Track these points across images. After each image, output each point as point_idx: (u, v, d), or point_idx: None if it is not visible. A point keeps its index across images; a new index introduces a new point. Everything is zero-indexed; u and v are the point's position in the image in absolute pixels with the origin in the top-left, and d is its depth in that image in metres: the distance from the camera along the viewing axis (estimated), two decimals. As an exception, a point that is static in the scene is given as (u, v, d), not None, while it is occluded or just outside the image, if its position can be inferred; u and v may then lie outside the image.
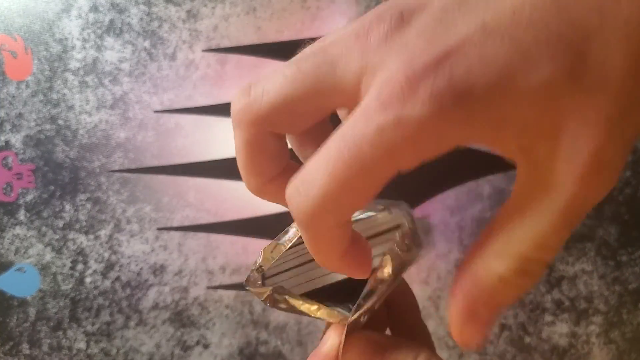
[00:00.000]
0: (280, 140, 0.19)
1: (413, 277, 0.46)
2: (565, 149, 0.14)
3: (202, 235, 0.47)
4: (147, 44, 0.46)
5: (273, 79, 0.17)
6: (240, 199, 0.47)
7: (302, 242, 0.19)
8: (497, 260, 0.16)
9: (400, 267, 0.21)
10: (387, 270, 0.20)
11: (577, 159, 0.14)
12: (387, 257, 0.21)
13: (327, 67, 0.16)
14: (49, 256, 0.48)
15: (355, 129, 0.15)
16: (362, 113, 0.15)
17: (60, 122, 0.47)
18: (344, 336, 0.20)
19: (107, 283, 0.48)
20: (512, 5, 0.14)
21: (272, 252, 0.24)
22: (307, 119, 0.18)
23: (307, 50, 0.17)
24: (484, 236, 0.16)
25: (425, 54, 0.14)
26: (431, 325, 0.47)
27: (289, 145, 0.20)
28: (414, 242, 0.22)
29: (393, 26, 0.16)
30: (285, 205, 0.18)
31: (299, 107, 0.17)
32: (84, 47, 0.46)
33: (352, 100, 0.16)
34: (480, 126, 0.15)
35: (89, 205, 0.47)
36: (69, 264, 0.48)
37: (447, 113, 0.14)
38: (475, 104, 0.14)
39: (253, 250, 0.47)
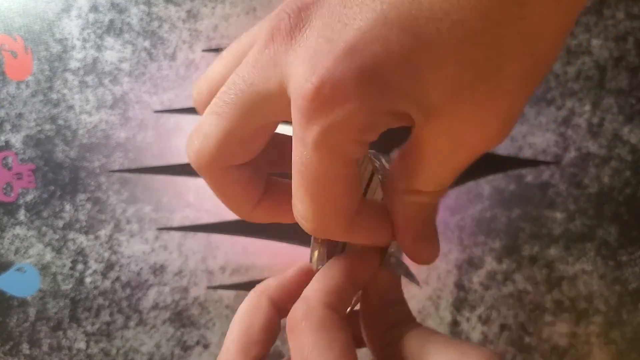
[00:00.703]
0: (245, 169, 0.20)
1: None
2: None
3: (202, 236, 0.47)
4: (147, 44, 0.46)
5: (208, 122, 0.18)
6: (240, 199, 0.47)
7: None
8: (412, 196, 0.19)
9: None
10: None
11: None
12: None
13: (252, 91, 0.17)
14: (49, 256, 0.48)
15: (297, 155, 0.17)
16: (295, 136, 0.17)
17: (60, 122, 0.47)
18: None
19: (107, 283, 0.48)
20: None
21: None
22: (257, 142, 0.19)
23: (230, 80, 0.18)
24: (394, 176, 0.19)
25: (327, 57, 0.15)
26: (431, 325, 0.47)
27: None
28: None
29: (293, 25, 0.16)
30: (282, 221, 0.22)
31: (243, 136, 0.18)
32: (84, 47, 0.46)
33: (288, 107, 0.17)
34: (384, 113, 0.16)
35: (89, 205, 0.47)
36: (69, 264, 0.48)
37: (363, 105, 0.15)
38: (383, 93, 0.15)
39: (253, 251, 0.47)
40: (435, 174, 0.18)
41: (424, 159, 0.17)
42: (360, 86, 0.15)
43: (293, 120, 0.16)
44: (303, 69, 0.15)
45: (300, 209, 0.18)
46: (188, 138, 0.19)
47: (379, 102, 0.15)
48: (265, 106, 0.17)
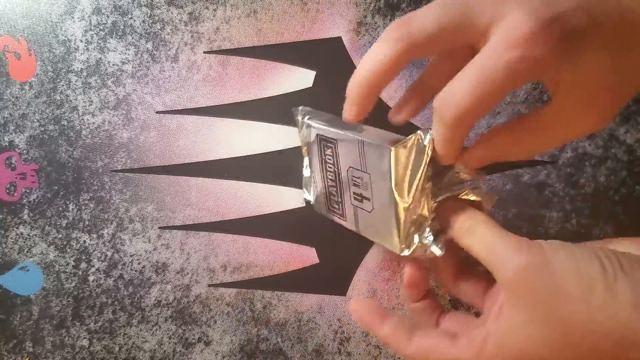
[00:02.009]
0: (403, 67, 0.26)
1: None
2: None
3: (203, 234, 0.47)
4: (149, 45, 0.46)
5: (429, 13, 0.24)
6: (241, 198, 0.47)
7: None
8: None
9: None
10: None
11: None
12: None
13: (469, 12, 0.23)
14: (52, 255, 0.48)
15: (489, 61, 0.22)
16: (494, 49, 0.23)
17: (64, 122, 0.47)
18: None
19: (110, 281, 0.48)
20: None
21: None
22: (443, 47, 0.25)
23: None
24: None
25: (544, 12, 0.22)
26: (429, 323, 0.47)
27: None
28: None
29: None
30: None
31: (442, 37, 0.24)
32: (87, 49, 0.46)
33: (481, 38, 0.24)
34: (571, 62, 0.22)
35: (92, 205, 0.48)
36: (72, 263, 0.48)
37: (554, 54, 0.22)
38: (574, 53, 0.22)
39: (254, 249, 0.47)
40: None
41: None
42: (559, 45, 0.22)
43: (497, 41, 0.23)
44: (525, 12, 0.22)
45: (458, 94, 0.24)
46: (405, 16, 0.25)
47: (566, 61, 0.22)
48: (469, 28, 0.24)
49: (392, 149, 0.30)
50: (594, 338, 0.22)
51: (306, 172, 0.42)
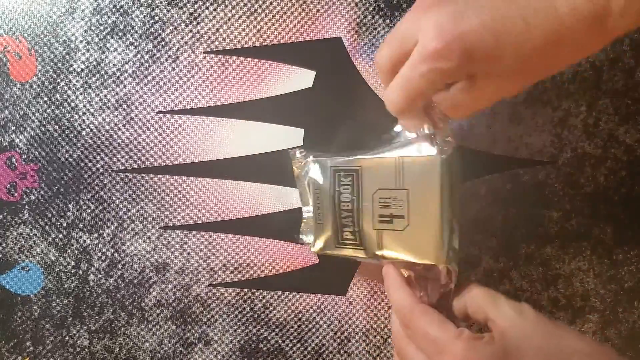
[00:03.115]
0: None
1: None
2: None
3: (203, 234, 0.47)
4: (149, 46, 0.46)
5: (382, 45, 0.31)
6: (241, 198, 0.47)
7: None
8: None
9: None
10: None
11: None
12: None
13: (402, 36, 0.29)
14: (52, 255, 0.48)
15: (408, 71, 0.29)
16: (411, 63, 0.28)
17: (64, 122, 0.47)
18: None
19: (110, 281, 0.48)
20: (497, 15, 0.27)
21: None
22: (402, 59, 0.30)
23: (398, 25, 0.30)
24: None
25: (448, 31, 0.26)
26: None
27: None
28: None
29: (434, 3, 0.28)
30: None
31: (395, 57, 0.30)
32: (88, 49, 0.46)
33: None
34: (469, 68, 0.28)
35: (92, 205, 0.48)
36: (72, 263, 0.48)
37: (458, 65, 0.27)
38: (472, 63, 0.27)
39: (254, 249, 0.47)
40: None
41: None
42: (462, 58, 0.26)
43: (415, 54, 0.28)
44: (435, 31, 0.27)
45: (392, 91, 0.30)
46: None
47: (471, 68, 0.27)
48: (408, 46, 0.29)
49: (442, 157, 0.32)
50: None
51: (307, 215, 0.41)
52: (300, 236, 0.41)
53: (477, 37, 0.26)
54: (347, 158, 0.37)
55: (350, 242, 0.37)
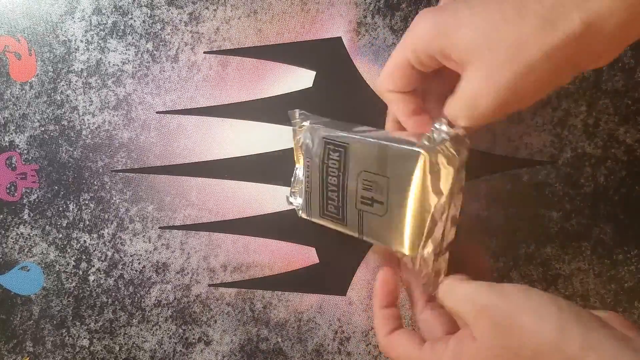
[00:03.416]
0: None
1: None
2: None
3: (203, 234, 0.47)
4: (149, 46, 0.46)
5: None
6: (241, 198, 0.47)
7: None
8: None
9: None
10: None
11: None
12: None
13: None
14: (52, 255, 0.48)
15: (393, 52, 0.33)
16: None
17: (64, 122, 0.47)
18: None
19: (110, 281, 0.48)
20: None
21: None
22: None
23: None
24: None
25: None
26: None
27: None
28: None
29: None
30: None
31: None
32: (88, 49, 0.46)
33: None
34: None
35: (92, 205, 0.48)
36: (72, 263, 0.48)
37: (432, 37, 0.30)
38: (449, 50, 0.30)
39: (254, 249, 0.47)
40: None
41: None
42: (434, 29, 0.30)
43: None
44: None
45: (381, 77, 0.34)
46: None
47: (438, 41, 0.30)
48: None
49: (423, 153, 0.32)
50: None
51: (298, 176, 0.42)
52: (290, 198, 0.42)
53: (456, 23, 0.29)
54: (340, 134, 0.36)
55: (334, 215, 0.38)
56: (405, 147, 0.33)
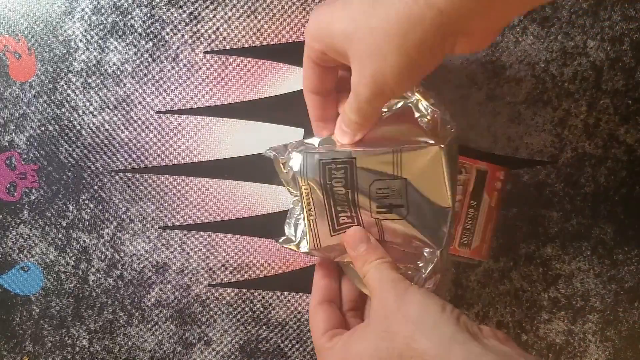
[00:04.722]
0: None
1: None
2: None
3: (203, 234, 0.47)
4: (149, 45, 0.46)
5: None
6: (241, 198, 0.47)
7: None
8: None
9: None
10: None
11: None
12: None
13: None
14: (52, 255, 0.48)
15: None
16: None
17: (64, 122, 0.47)
18: None
19: (110, 281, 0.48)
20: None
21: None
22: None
23: None
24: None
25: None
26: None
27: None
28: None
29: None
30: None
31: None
32: (87, 49, 0.46)
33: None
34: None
35: (92, 205, 0.48)
36: (72, 263, 0.48)
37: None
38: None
39: (254, 249, 0.47)
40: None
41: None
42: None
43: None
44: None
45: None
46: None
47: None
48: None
49: (441, 147, 0.33)
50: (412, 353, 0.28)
51: (295, 210, 0.40)
52: (287, 233, 0.40)
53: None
54: (338, 151, 0.36)
55: (348, 224, 0.37)
56: (419, 147, 0.34)
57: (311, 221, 0.38)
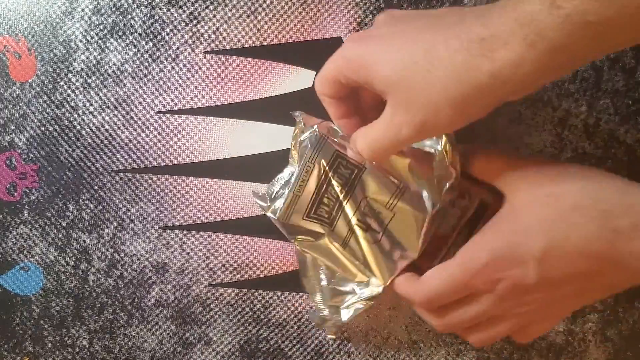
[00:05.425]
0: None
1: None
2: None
3: (203, 234, 0.47)
4: (149, 45, 0.46)
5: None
6: (241, 198, 0.47)
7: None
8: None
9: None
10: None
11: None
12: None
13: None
14: (52, 255, 0.48)
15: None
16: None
17: (64, 122, 0.47)
18: None
19: (110, 281, 0.48)
20: None
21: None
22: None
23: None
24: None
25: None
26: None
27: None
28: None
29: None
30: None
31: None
32: (87, 49, 0.46)
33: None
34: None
35: (92, 205, 0.48)
36: (72, 263, 0.48)
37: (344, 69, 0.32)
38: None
39: (254, 249, 0.47)
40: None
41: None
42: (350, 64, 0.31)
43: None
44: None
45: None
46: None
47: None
48: None
49: (432, 212, 0.35)
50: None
51: (284, 177, 0.40)
52: (260, 196, 0.41)
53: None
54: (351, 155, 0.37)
55: (322, 218, 0.39)
56: (414, 206, 0.35)
57: (296, 196, 0.39)
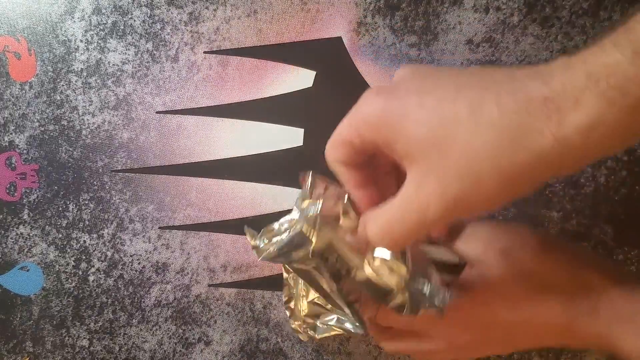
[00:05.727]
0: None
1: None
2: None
3: (203, 234, 0.47)
4: (149, 45, 0.46)
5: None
6: (242, 198, 0.47)
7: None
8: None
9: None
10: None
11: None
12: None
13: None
14: (52, 255, 0.48)
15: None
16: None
17: (64, 122, 0.47)
18: None
19: (110, 281, 0.48)
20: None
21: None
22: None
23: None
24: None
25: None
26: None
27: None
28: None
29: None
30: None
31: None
32: (87, 49, 0.46)
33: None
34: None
35: (92, 205, 0.48)
36: (72, 263, 0.48)
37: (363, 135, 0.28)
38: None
39: (254, 249, 0.47)
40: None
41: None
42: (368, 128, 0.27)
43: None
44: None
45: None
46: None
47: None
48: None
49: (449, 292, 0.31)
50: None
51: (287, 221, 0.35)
52: (252, 233, 0.36)
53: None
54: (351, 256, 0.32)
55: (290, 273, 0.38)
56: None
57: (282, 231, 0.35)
